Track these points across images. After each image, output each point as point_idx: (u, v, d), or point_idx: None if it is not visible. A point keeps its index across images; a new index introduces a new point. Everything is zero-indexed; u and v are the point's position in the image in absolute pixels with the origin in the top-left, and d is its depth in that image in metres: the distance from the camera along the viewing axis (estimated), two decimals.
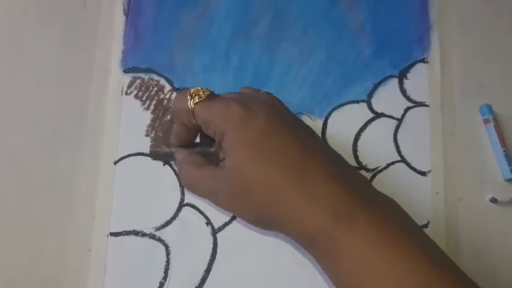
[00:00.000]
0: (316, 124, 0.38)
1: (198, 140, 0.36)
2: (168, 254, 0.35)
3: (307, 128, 0.33)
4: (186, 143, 0.35)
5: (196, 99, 0.31)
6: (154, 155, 0.37)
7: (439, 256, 0.27)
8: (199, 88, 0.32)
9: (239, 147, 0.30)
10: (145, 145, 0.37)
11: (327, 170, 0.29)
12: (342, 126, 0.38)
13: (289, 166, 0.29)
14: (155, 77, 0.39)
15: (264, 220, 0.30)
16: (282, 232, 0.30)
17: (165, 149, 0.36)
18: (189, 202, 0.36)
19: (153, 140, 0.38)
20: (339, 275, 0.28)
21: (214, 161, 0.33)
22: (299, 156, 0.29)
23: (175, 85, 0.39)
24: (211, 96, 0.32)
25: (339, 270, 0.27)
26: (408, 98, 0.39)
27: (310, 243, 0.29)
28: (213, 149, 0.34)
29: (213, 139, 0.32)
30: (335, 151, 0.33)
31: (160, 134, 0.38)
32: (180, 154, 0.35)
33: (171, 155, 0.36)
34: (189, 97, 0.32)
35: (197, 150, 0.35)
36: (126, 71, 0.39)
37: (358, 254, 0.26)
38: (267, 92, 0.34)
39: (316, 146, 0.31)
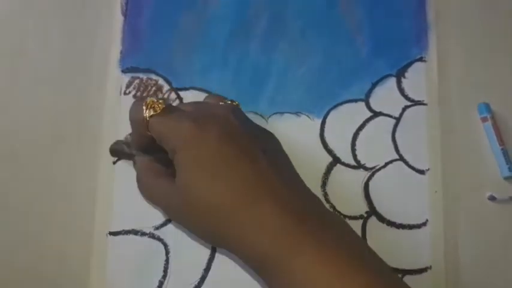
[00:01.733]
0: (314, 123, 0.38)
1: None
2: (167, 253, 0.35)
3: (266, 143, 0.32)
4: (144, 150, 0.34)
5: (152, 112, 0.31)
6: (113, 152, 0.37)
7: (388, 277, 0.28)
8: (155, 100, 0.31)
9: (189, 166, 0.30)
10: None
11: (277, 193, 0.29)
12: (340, 126, 0.38)
13: (236, 189, 0.28)
14: (154, 76, 0.39)
15: (215, 241, 0.31)
16: (232, 253, 0.30)
17: (125, 149, 0.36)
18: None
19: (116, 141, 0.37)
20: None
21: (173, 169, 0.32)
22: (250, 180, 0.29)
23: (174, 85, 0.39)
24: (167, 109, 0.31)
25: None
26: (406, 97, 0.39)
27: (258, 267, 0.29)
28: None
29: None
30: (290, 168, 0.32)
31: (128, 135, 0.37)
32: (140, 159, 0.35)
33: (131, 156, 0.36)
34: (144, 107, 0.31)
35: (158, 157, 0.34)
36: (125, 71, 0.39)
37: (305, 279, 0.26)
38: (229, 104, 0.34)
39: (269, 167, 0.30)
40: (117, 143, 0.37)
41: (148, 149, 0.34)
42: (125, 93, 0.39)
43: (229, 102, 0.35)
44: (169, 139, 0.30)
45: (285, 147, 0.34)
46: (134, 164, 0.36)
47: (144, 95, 0.39)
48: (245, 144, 0.30)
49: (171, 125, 0.31)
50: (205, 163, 0.29)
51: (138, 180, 0.35)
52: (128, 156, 0.36)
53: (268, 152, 0.31)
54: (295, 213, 0.28)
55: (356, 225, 0.36)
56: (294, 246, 0.27)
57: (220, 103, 0.34)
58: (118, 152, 0.37)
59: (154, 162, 0.34)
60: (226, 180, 0.29)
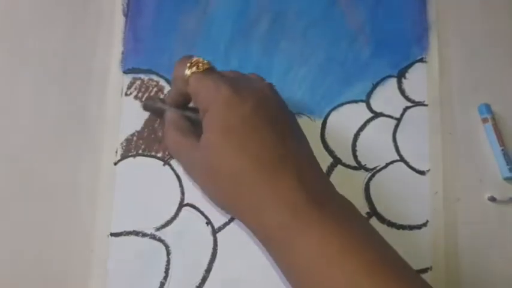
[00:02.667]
0: (315, 124, 0.38)
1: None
2: (168, 254, 0.35)
3: (293, 126, 0.33)
4: (178, 105, 0.35)
5: (194, 69, 0.32)
6: (145, 106, 0.38)
7: (391, 256, 0.28)
8: (201, 59, 0.32)
9: (217, 128, 0.30)
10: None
11: (297, 174, 0.29)
12: (341, 126, 0.39)
13: (261, 161, 0.29)
14: (155, 77, 0.39)
15: (229, 207, 0.31)
16: (242, 222, 0.30)
17: (158, 104, 0.36)
18: (189, 202, 0.36)
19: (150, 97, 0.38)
20: (291, 270, 0.28)
21: (201, 130, 0.32)
22: (273, 153, 0.29)
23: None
24: (209, 70, 0.32)
25: (291, 265, 0.28)
26: (407, 98, 0.39)
27: (267, 237, 0.29)
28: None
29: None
30: (311, 153, 0.33)
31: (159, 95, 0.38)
32: (170, 114, 0.35)
33: (162, 112, 0.36)
34: (188, 65, 0.32)
35: (187, 114, 0.35)
36: (126, 72, 0.39)
37: (311, 252, 0.27)
38: (268, 83, 0.34)
39: (293, 145, 0.31)
40: (151, 97, 0.38)
41: (181, 105, 0.35)
42: (126, 94, 0.39)
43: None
44: (205, 97, 0.31)
45: None
46: (164, 119, 0.36)
47: (146, 96, 0.39)
48: (276, 120, 0.31)
49: (209, 84, 0.31)
50: (234, 129, 0.30)
51: (165, 133, 0.35)
52: (159, 111, 0.36)
53: (295, 131, 0.32)
54: (314, 192, 0.29)
55: None
56: (306, 217, 0.27)
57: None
58: (149, 106, 0.37)
59: (183, 119, 0.35)
60: (252, 150, 0.29)
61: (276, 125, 0.31)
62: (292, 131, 0.32)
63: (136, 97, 0.39)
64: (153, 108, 0.37)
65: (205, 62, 0.32)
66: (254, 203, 0.29)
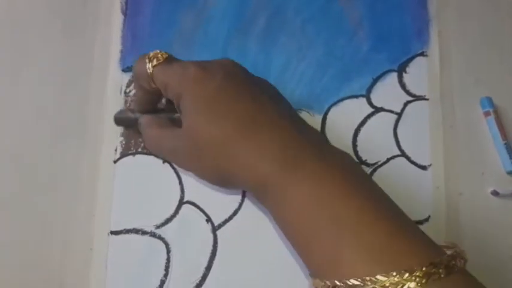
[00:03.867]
0: (315, 120, 0.38)
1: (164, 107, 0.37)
2: (168, 251, 0.35)
3: (266, 87, 0.34)
4: (148, 109, 0.36)
5: (155, 62, 0.32)
6: (117, 120, 0.37)
7: (393, 209, 0.28)
8: (158, 51, 0.32)
9: (194, 106, 0.30)
10: None
11: (277, 123, 0.30)
12: (341, 122, 0.38)
13: (240, 121, 0.29)
14: None
15: (222, 177, 0.31)
16: (239, 186, 0.31)
17: (130, 115, 0.37)
18: (189, 200, 0.36)
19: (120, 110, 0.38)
20: (285, 222, 0.29)
21: (179, 126, 0.33)
22: (250, 112, 0.30)
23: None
24: (170, 59, 0.32)
25: (284, 217, 0.28)
26: (408, 92, 0.39)
27: (260, 191, 0.30)
28: (177, 115, 0.35)
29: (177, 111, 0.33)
30: (291, 108, 0.33)
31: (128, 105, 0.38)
32: (144, 119, 0.35)
33: (135, 121, 0.36)
34: (147, 60, 0.32)
35: (161, 116, 0.35)
36: (125, 70, 0.39)
37: (302, 202, 0.27)
38: (228, 58, 0.34)
39: (270, 104, 0.31)
40: (121, 111, 0.38)
41: (151, 107, 0.36)
42: (125, 93, 0.39)
43: None
44: (175, 84, 0.31)
45: None
46: (139, 126, 0.36)
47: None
48: (247, 84, 0.32)
49: (175, 70, 0.31)
50: (210, 102, 0.30)
51: (144, 135, 0.36)
52: (133, 122, 0.37)
53: (268, 92, 0.32)
54: (294, 141, 0.29)
55: None
56: (294, 165, 0.28)
57: None
58: (122, 119, 0.37)
59: (157, 118, 0.35)
60: (229, 115, 0.30)
61: (248, 88, 0.31)
62: (264, 90, 0.32)
63: (135, 95, 0.39)
64: (126, 119, 0.37)
65: (164, 52, 0.32)
66: (241, 162, 0.29)
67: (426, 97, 0.39)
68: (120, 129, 0.38)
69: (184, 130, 0.31)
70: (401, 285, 0.23)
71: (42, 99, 0.39)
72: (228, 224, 0.36)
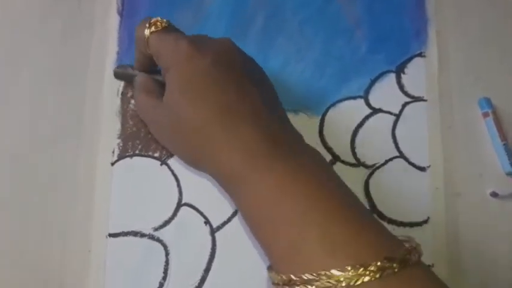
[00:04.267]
0: (313, 121, 0.38)
1: None
2: (167, 254, 0.35)
3: (258, 75, 0.33)
4: (145, 69, 0.36)
5: (153, 29, 0.32)
6: (116, 74, 0.38)
7: (357, 205, 0.28)
8: (159, 19, 0.32)
9: (178, 85, 0.30)
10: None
11: (256, 117, 0.30)
12: (339, 123, 0.38)
13: (221, 109, 0.29)
14: None
15: (193, 159, 0.32)
16: (208, 172, 0.31)
17: (129, 71, 0.37)
18: (187, 202, 0.36)
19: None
20: (248, 213, 0.29)
21: None
22: (232, 102, 0.30)
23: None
24: (168, 28, 0.32)
25: (247, 209, 0.29)
26: (406, 93, 0.39)
27: (227, 181, 0.30)
28: None
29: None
30: (277, 103, 0.33)
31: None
32: (140, 78, 0.36)
33: (132, 78, 0.36)
34: (147, 25, 0.32)
35: (157, 77, 0.35)
36: None
37: (266, 195, 0.27)
38: (227, 38, 0.34)
39: (254, 95, 0.31)
40: (120, 66, 0.38)
41: (148, 69, 0.36)
42: (122, 94, 0.38)
43: None
44: (165, 56, 0.31)
45: None
46: (134, 83, 0.36)
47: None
48: (236, 72, 0.31)
49: (168, 42, 0.31)
50: (194, 83, 0.30)
51: (134, 98, 0.36)
52: (130, 78, 0.37)
53: (257, 82, 0.32)
54: (268, 138, 0.29)
55: None
56: (262, 166, 0.28)
57: None
58: (121, 73, 0.38)
59: (151, 82, 0.35)
60: (210, 101, 0.30)
61: (236, 76, 0.31)
62: (254, 80, 0.32)
63: (132, 97, 0.38)
64: (124, 74, 0.37)
65: (164, 20, 0.32)
66: (213, 152, 0.29)
67: (424, 98, 0.39)
68: (117, 131, 0.38)
69: (165, 105, 0.31)
70: (355, 279, 0.23)
71: (39, 101, 0.38)
72: (226, 226, 0.36)
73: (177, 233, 0.35)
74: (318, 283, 0.24)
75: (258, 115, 0.30)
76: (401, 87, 0.39)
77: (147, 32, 0.32)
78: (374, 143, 0.38)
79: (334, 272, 0.24)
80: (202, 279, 0.34)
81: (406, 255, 0.25)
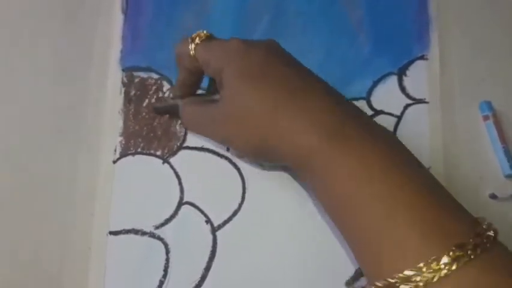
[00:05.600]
0: None
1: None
2: (167, 252, 0.35)
3: (305, 67, 0.33)
4: (189, 91, 0.36)
5: (197, 41, 0.32)
6: (157, 110, 0.38)
7: (436, 186, 0.28)
8: (199, 31, 0.33)
9: (238, 75, 0.30)
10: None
11: (323, 93, 0.30)
12: None
13: (288, 89, 0.29)
14: (154, 75, 0.39)
15: (260, 147, 0.30)
16: (276, 159, 0.31)
17: (169, 101, 0.37)
18: (188, 200, 0.36)
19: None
20: (329, 196, 0.28)
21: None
22: (297, 81, 0.30)
23: (174, 84, 0.39)
24: (211, 37, 0.33)
25: (332, 192, 0.28)
26: (407, 95, 0.39)
27: (303, 165, 0.29)
28: (216, 96, 0.34)
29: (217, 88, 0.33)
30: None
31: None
32: (185, 100, 0.36)
33: (176, 107, 0.36)
34: (190, 40, 0.33)
35: (202, 97, 0.36)
36: (125, 70, 0.39)
37: (348, 174, 0.26)
38: (274, 40, 0.34)
39: (315, 78, 0.31)
40: (158, 100, 0.38)
41: (193, 90, 0.36)
42: (124, 92, 0.39)
43: None
44: (215, 59, 0.32)
45: None
46: (179, 108, 0.36)
47: (144, 94, 0.39)
48: (291, 60, 0.32)
49: (217, 46, 0.32)
50: (255, 72, 0.30)
51: (182, 114, 0.36)
52: (174, 108, 0.37)
53: (310, 71, 0.32)
54: (342, 111, 0.29)
55: None
56: (341, 137, 0.27)
57: None
58: (162, 108, 0.38)
59: (194, 97, 0.36)
60: (278, 85, 0.29)
61: (292, 63, 0.31)
62: (307, 69, 0.32)
63: (135, 95, 0.39)
64: (166, 107, 0.37)
65: (205, 32, 0.33)
66: (284, 130, 0.28)
67: (426, 100, 0.39)
68: (119, 129, 0.38)
69: (225, 98, 0.31)
70: (455, 264, 0.23)
71: (42, 98, 0.38)
72: (227, 225, 0.36)
73: (177, 232, 0.35)
74: (419, 277, 0.23)
75: (325, 92, 0.30)
76: (403, 89, 0.39)
77: (191, 46, 0.32)
78: None
79: (432, 263, 0.23)
80: (203, 278, 0.34)
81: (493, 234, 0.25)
